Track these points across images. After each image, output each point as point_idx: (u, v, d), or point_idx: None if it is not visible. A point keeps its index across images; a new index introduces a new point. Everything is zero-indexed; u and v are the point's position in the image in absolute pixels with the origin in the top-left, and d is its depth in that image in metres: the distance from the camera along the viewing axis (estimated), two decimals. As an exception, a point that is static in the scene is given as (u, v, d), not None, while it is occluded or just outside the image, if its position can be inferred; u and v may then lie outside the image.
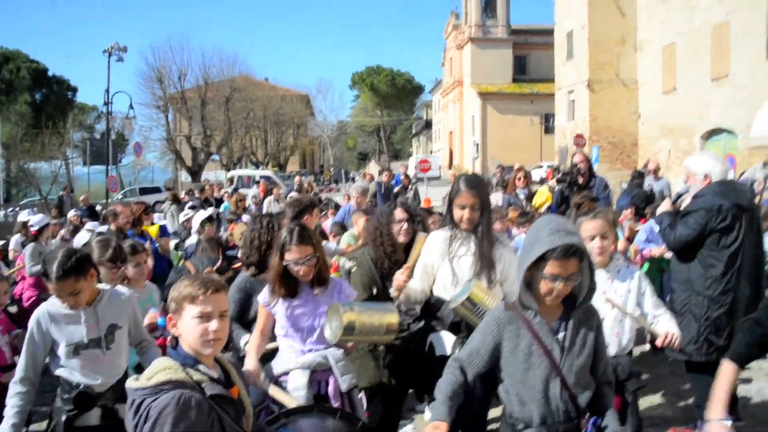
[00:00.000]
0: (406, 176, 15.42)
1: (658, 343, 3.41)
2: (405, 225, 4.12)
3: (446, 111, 63.28)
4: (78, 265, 3.13)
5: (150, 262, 4.93)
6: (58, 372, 3.19)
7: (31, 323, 3.18)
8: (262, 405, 2.93)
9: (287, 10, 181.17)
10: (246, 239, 4.28)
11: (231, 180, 28.35)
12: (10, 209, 29.92)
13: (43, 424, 3.48)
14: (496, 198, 9.83)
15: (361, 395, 3.84)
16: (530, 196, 9.79)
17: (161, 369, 2.20)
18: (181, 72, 44.80)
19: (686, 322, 4.22)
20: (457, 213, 3.60)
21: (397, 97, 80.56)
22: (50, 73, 57.77)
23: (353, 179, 56.21)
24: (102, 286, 3.40)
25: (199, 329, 2.24)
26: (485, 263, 3.56)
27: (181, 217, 9.86)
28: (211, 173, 49.59)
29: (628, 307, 3.53)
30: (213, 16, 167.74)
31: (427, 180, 29.56)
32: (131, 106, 28.14)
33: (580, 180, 8.20)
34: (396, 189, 14.59)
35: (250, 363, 3.33)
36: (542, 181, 15.06)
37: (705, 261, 4.28)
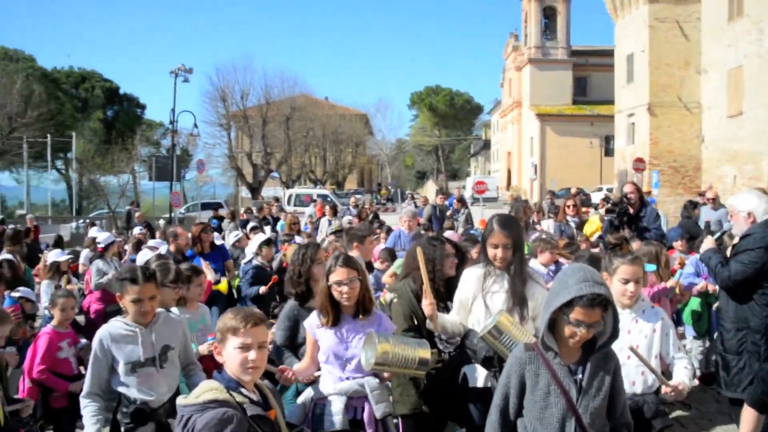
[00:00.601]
0: (460, 200, 15.50)
1: (664, 390, 3.44)
2: (453, 258, 4.31)
3: (505, 132, 63.04)
4: (153, 274, 3.60)
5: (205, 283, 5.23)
6: (119, 388, 3.49)
7: (95, 343, 3.52)
8: (297, 428, 3.15)
9: (348, 31, 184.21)
10: (289, 269, 4.53)
11: (288, 199, 29.01)
12: (81, 221, 31.34)
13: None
14: (547, 225, 9.86)
15: (398, 421, 4.03)
16: (581, 225, 9.78)
17: (208, 389, 2.48)
18: (244, 92, 46.20)
19: (745, 361, 4.24)
20: (491, 252, 3.78)
21: (455, 117, 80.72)
22: (121, 92, 60.42)
23: (410, 197, 56.63)
24: (158, 309, 3.71)
25: (239, 358, 2.52)
26: (517, 300, 3.72)
27: (232, 238, 10.22)
28: (271, 189, 50.77)
29: (653, 346, 3.61)
30: (276, 38, 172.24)
31: (483, 201, 29.56)
32: (195, 125, 29.22)
33: (631, 210, 8.17)
34: (448, 212, 14.73)
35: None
36: (596, 207, 14.90)
37: (761, 299, 4.29)
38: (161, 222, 31.78)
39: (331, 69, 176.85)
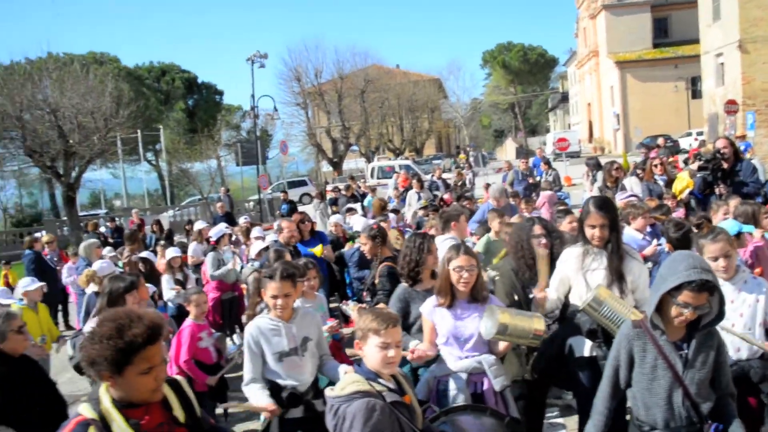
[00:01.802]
0: (546, 162, 15.38)
1: None
2: (543, 239, 4.56)
3: (583, 83, 61.18)
4: (294, 273, 4.06)
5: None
6: (268, 376, 4.00)
7: (246, 336, 4.04)
8: (425, 406, 3.55)
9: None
10: (402, 253, 4.91)
11: (371, 172, 29.46)
12: (176, 209, 33.04)
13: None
14: (631, 184, 9.75)
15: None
16: (669, 182, 9.68)
17: (352, 382, 2.90)
18: (317, 69, 47.10)
19: None
20: (588, 232, 4.04)
21: (530, 72, 78.89)
22: (199, 81, 62.50)
23: (490, 159, 55.97)
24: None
25: (380, 355, 2.94)
26: (616, 276, 3.98)
27: (319, 218, 10.61)
28: (352, 162, 51.58)
29: (758, 315, 3.78)
30: (345, 13, 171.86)
31: (566, 156, 29.08)
32: (275, 108, 30.09)
33: (725, 165, 8.07)
34: (531, 180, 14.67)
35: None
36: (686, 161, 14.45)
37: None
38: (250, 204, 33.19)
39: (400, 36, 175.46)
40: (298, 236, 7.68)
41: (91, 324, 5.07)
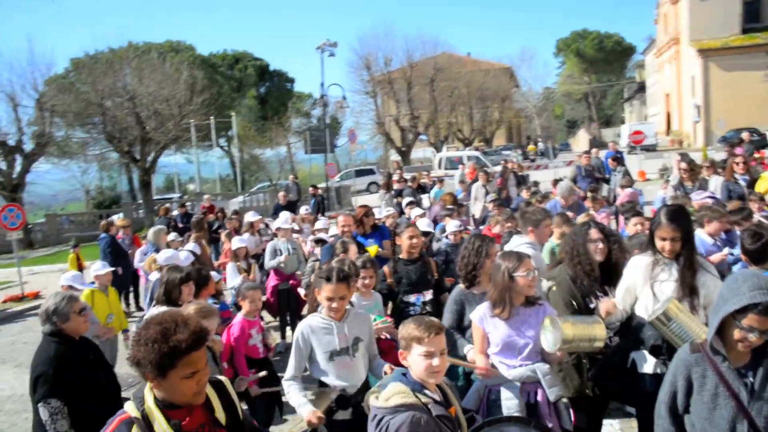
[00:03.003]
0: (615, 158, 14.65)
1: None
2: (600, 244, 4.35)
3: (662, 72, 58.84)
4: (349, 275, 4.05)
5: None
6: (317, 375, 3.98)
7: (296, 333, 4.03)
8: (468, 414, 3.45)
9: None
10: (461, 255, 4.80)
11: (439, 162, 29.25)
12: (246, 195, 33.76)
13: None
14: (716, 184, 9.30)
15: (568, 403, 4.23)
16: (752, 182, 9.14)
17: (396, 393, 2.82)
18: (387, 57, 47.03)
19: None
20: (659, 243, 3.82)
21: (605, 60, 76.43)
22: (271, 68, 63.48)
23: (560, 150, 54.62)
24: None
25: (425, 364, 2.84)
26: (688, 290, 3.74)
27: (384, 212, 10.51)
28: (420, 151, 51.39)
29: None
30: (415, 1, 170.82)
31: (641, 150, 28.10)
32: (344, 97, 30.25)
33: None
34: (598, 175, 14.14)
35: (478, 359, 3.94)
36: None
37: None
38: (318, 192, 33.53)
39: (471, 24, 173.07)
40: (352, 229, 7.62)
41: (152, 311, 5.21)
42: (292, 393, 3.88)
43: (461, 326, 4.56)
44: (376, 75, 47.78)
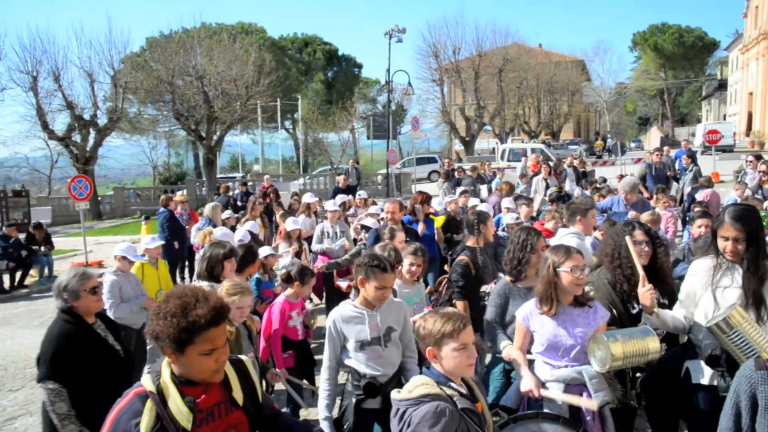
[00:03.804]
0: (689, 155, 14.06)
1: None
2: (645, 247, 4.06)
3: (746, 69, 56.00)
4: (394, 265, 3.97)
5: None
6: (348, 362, 3.88)
7: (329, 322, 3.94)
8: (493, 411, 3.28)
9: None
10: (507, 248, 4.61)
11: (502, 154, 28.77)
12: (308, 177, 34.07)
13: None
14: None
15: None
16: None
17: (420, 384, 2.68)
18: (456, 46, 46.51)
19: None
20: (721, 243, 3.52)
21: (684, 56, 73.44)
22: (340, 53, 63.81)
23: (636, 147, 52.88)
24: None
25: (461, 359, 2.70)
26: (753, 298, 3.43)
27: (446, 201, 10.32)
28: (484, 142, 50.79)
29: None
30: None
31: (716, 150, 26.88)
32: (410, 83, 30.04)
33: None
34: (669, 173, 13.57)
35: (526, 376, 3.68)
36: None
37: None
38: (378, 177, 33.55)
39: (545, 15, 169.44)
40: (397, 215, 7.48)
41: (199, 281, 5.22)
42: (323, 395, 3.85)
43: (503, 321, 4.37)
44: (444, 63, 47.37)
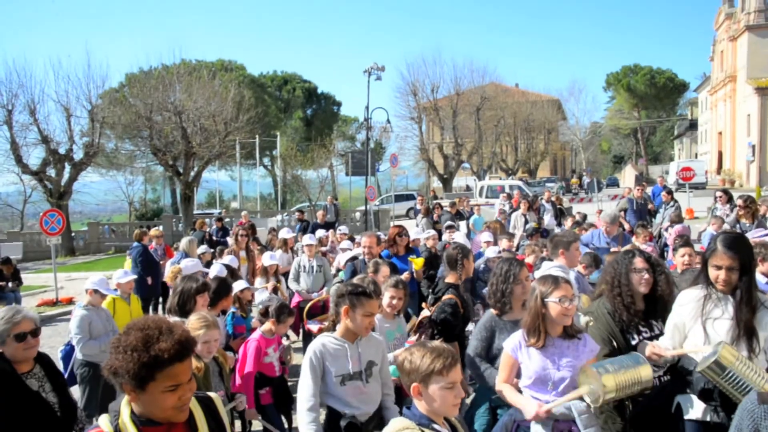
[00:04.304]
0: (669, 192, 14.24)
1: None
2: (645, 274, 3.94)
3: (715, 110, 57.38)
4: (376, 287, 3.92)
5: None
6: (328, 402, 3.67)
7: (308, 354, 3.72)
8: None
9: (537, 13, 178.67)
10: (490, 281, 4.47)
11: (480, 191, 28.84)
12: (285, 214, 33.86)
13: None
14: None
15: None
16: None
17: (401, 428, 2.50)
18: (434, 84, 46.93)
19: None
20: (713, 273, 3.42)
21: (656, 96, 75.09)
22: (319, 91, 64.23)
23: (608, 185, 53.56)
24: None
25: (448, 397, 2.54)
26: (744, 330, 3.31)
27: (424, 235, 10.23)
28: (462, 179, 51.01)
29: None
30: (465, 29, 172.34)
31: (690, 188, 27.24)
32: (388, 121, 30.17)
33: None
34: (651, 206, 13.67)
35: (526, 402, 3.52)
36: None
37: None
38: (357, 214, 33.45)
39: (521, 55, 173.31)
40: (375, 250, 7.34)
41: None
42: (303, 424, 3.58)
43: (489, 355, 4.22)
44: (422, 101, 47.76)
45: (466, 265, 5.61)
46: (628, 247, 7.16)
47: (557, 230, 12.32)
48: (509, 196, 20.83)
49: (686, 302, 3.56)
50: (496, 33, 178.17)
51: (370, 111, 30.04)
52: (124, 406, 2.18)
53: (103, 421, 2.17)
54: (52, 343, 10.94)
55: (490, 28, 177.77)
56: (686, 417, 3.46)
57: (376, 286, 4.63)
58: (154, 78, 31.49)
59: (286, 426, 5.12)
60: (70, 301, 14.79)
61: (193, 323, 4.02)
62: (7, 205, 39.77)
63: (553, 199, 17.75)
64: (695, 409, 3.43)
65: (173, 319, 4.60)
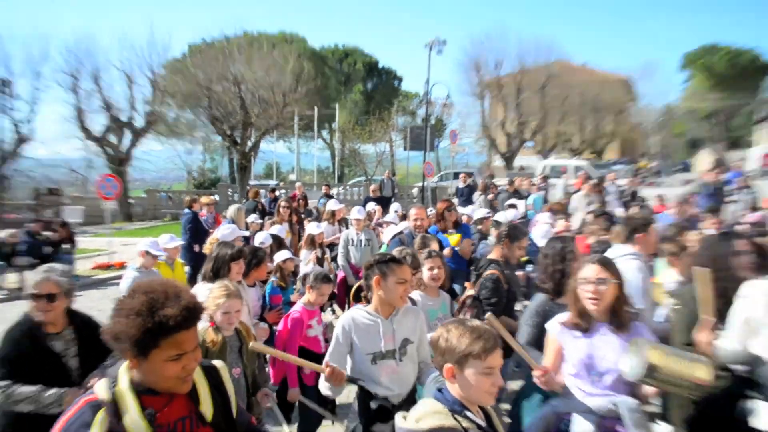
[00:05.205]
0: (744, 178, 13.47)
1: None
2: (750, 258, 3.55)
3: (803, 93, 54.31)
4: (413, 259, 3.81)
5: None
6: (359, 381, 3.47)
7: (337, 328, 3.54)
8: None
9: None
10: (541, 262, 4.19)
11: (542, 171, 28.10)
12: (341, 187, 33.90)
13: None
14: None
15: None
16: None
17: (432, 413, 2.29)
18: (498, 60, 45.89)
19: None
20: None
21: (737, 78, 71.53)
22: (380, 65, 63.95)
23: (680, 170, 51.58)
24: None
25: (484, 384, 2.33)
26: None
27: (479, 213, 9.90)
28: (524, 159, 50.01)
29: None
30: (531, 4, 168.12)
31: (772, 175, 25.92)
32: (449, 96, 29.72)
33: None
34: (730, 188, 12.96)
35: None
36: None
37: None
38: (414, 190, 33.23)
39: (591, 32, 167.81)
40: (425, 223, 7.09)
41: (198, 287, 4.90)
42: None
43: (540, 343, 3.93)
44: (486, 78, 46.84)
45: (517, 244, 5.27)
46: (695, 233, 6.70)
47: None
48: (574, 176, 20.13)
49: (755, 294, 3.19)
50: (564, 8, 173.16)
51: (430, 86, 29.68)
52: (124, 372, 2.06)
53: (100, 387, 2.04)
54: (101, 306, 11.19)
55: (558, 3, 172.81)
56: (753, 425, 3.11)
57: (414, 259, 4.42)
58: (215, 48, 31.87)
59: (323, 412, 4.86)
60: (122, 266, 15.15)
61: (214, 291, 3.89)
62: (71, 170, 41.15)
63: (625, 183, 17.06)
64: (763, 416, 3.08)
65: (207, 285, 4.51)
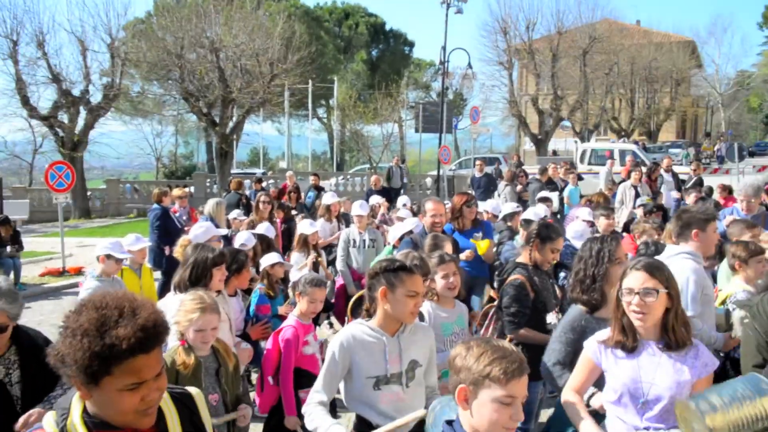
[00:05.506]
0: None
1: None
2: None
3: None
4: (423, 265, 3.81)
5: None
6: (355, 409, 3.54)
7: (333, 345, 3.58)
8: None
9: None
10: (574, 267, 4.22)
11: (582, 156, 28.09)
12: (341, 177, 33.92)
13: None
14: None
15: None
16: None
17: None
18: (530, 21, 45.62)
19: None
20: None
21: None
22: (387, 28, 63.98)
23: (754, 153, 51.33)
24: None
25: (501, 415, 2.36)
26: None
27: (507, 208, 9.92)
28: (561, 141, 49.93)
29: None
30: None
31: None
32: (470, 65, 29.61)
33: None
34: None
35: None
36: None
37: None
38: (428, 180, 33.25)
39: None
40: (443, 219, 7.11)
41: (165, 300, 4.96)
42: (315, 415, 3.41)
43: (574, 365, 3.97)
44: (515, 42, 46.70)
45: (548, 246, 5.27)
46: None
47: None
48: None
49: None
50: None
51: (447, 52, 29.62)
52: (76, 403, 2.09)
53: (48, 421, 2.09)
54: (53, 320, 11.30)
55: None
56: None
57: (423, 263, 4.46)
58: (187, 7, 31.90)
59: None
60: (78, 272, 15.26)
61: (186, 304, 3.95)
62: (14, 156, 41.06)
63: (671, 166, 16.96)
64: None
65: (180, 296, 4.54)
